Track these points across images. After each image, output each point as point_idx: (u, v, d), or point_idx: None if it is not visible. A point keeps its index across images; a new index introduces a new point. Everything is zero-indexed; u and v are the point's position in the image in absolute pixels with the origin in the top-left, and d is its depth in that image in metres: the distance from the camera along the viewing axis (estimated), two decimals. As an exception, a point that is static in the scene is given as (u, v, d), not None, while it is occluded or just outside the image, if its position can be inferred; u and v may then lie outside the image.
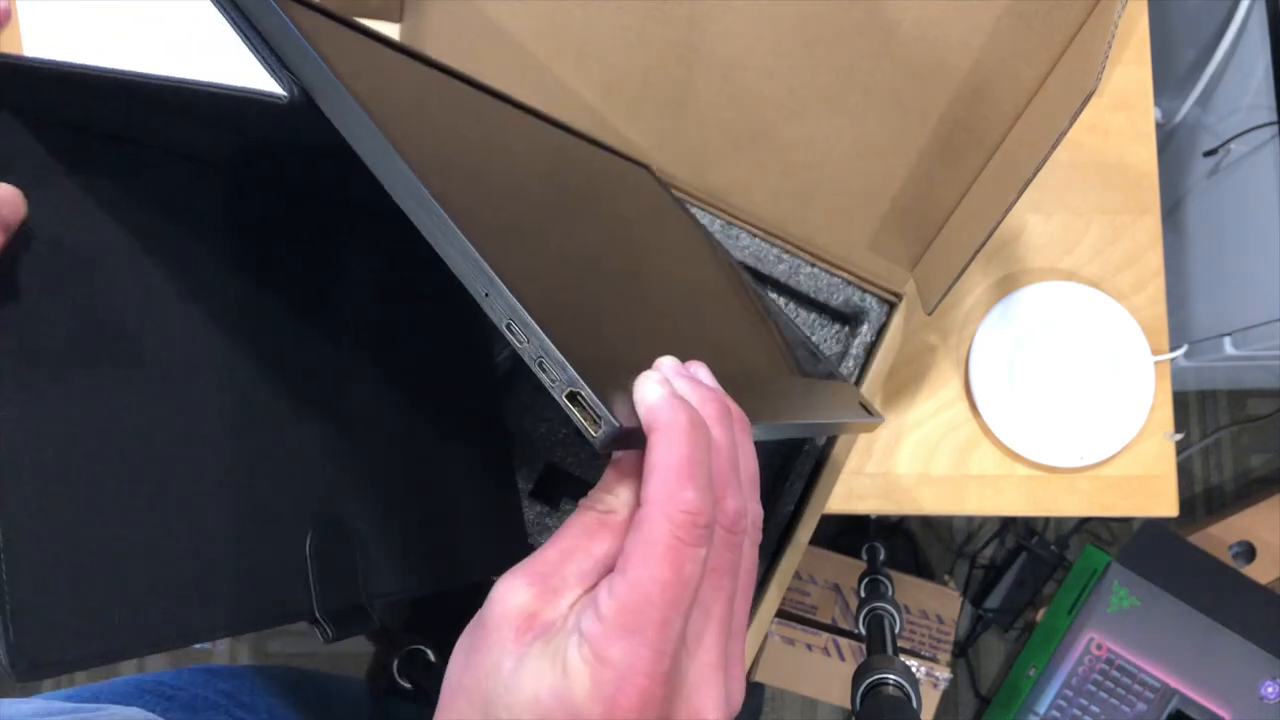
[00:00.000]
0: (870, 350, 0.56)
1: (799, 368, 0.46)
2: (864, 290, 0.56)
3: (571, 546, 0.25)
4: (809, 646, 1.06)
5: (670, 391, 0.25)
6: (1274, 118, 0.84)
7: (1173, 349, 0.64)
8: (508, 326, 0.23)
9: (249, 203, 0.38)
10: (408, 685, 0.61)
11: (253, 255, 0.37)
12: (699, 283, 0.45)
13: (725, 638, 0.25)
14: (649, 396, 0.25)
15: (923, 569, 1.27)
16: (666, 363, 0.27)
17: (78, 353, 0.29)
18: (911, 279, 0.55)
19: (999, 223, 0.41)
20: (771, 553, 0.52)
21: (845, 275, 0.56)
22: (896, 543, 1.27)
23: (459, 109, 0.36)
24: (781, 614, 1.06)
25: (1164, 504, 0.63)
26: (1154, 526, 0.96)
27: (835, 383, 0.48)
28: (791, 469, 0.54)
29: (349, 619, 0.36)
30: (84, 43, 0.59)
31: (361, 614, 0.37)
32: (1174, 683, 0.91)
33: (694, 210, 0.57)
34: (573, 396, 0.23)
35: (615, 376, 0.25)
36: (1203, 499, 1.33)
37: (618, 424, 0.23)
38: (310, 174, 0.40)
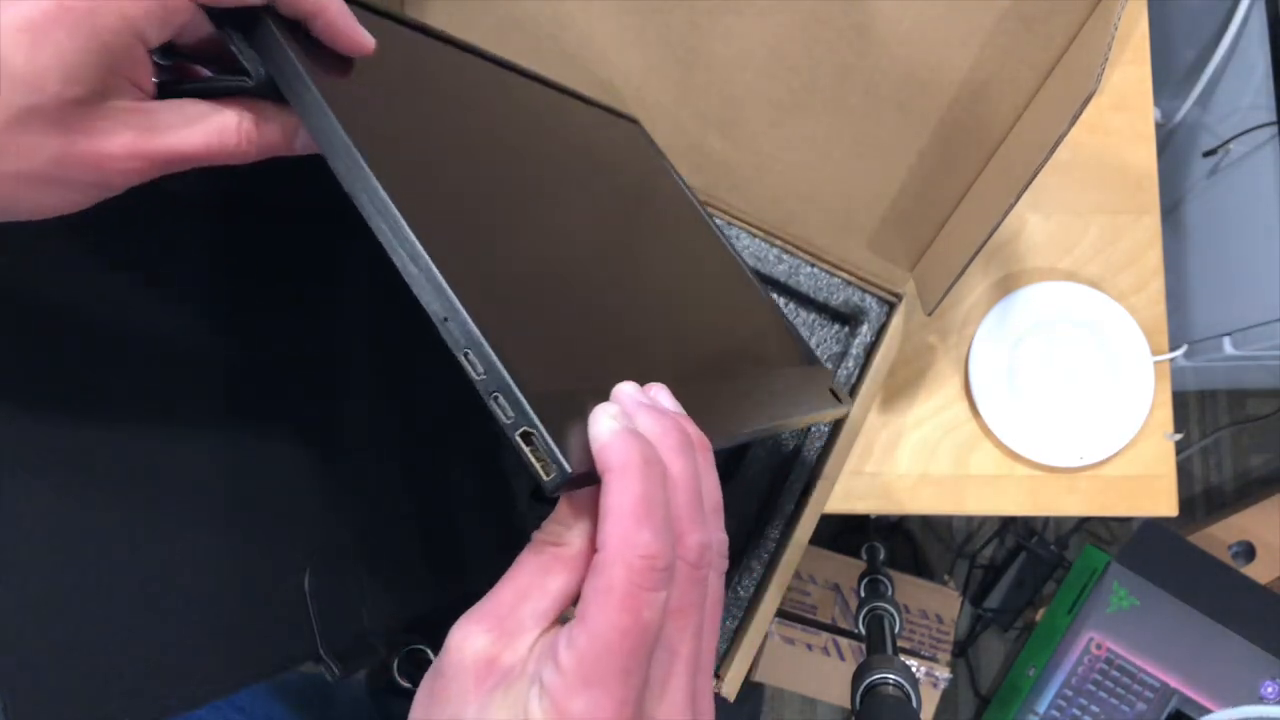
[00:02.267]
0: (870, 350, 0.56)
1: (773, 352, 0.45)
2: (864, 290, 0.56)
3: (526, 585, 0.25)
4: (809, 646, 1.06)
5: (624, 427, 0.24)
6: (1274, 118, 0.84)
7: (1173, 349, 0.64)
8: (465, 355, 0.22)
9: (226, 229, 0.36)
10: (408, 685, 0.61)
11: (227, 284, 0.35)
12: (677, 260, 0.43)
13: (693, 675, 0.25)
14: (602, 434, 0.24)
15: (922, 569, 1.27)
16: (625, 391, 0.27)
17: (56, 432, 0.27)
18: (911, 279, 0.55)
19: (999, 223, 0.41)
20: (771, 552, 0.52)
21: (845, 275, 0.56)
22: (896, 543, 1.27)
23: (426, 73, 0.33)
24: (781, 614, 1.06)
25: (1164, 504, 0.63)
26: (1154, 526, 0.96)
27: (807, 369, 0.46)
28: (791, 469, 0.54)
29: (355, 653, 0.35)
30: None
31: (367, 647, 0.36)
32: (1174, 683, 0.91)
33: (694, 210, 0.57)
34: (526, 436, 0.22)
35: (575, 407, 0.24)
36: (1202, 499, 1.33)
37: (569, 470, 0.22)
38: (288, 187, 0.37)
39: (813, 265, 0.57)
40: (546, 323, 0.27)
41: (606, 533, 0.23)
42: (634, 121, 0.52)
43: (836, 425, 0.54)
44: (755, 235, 0.57)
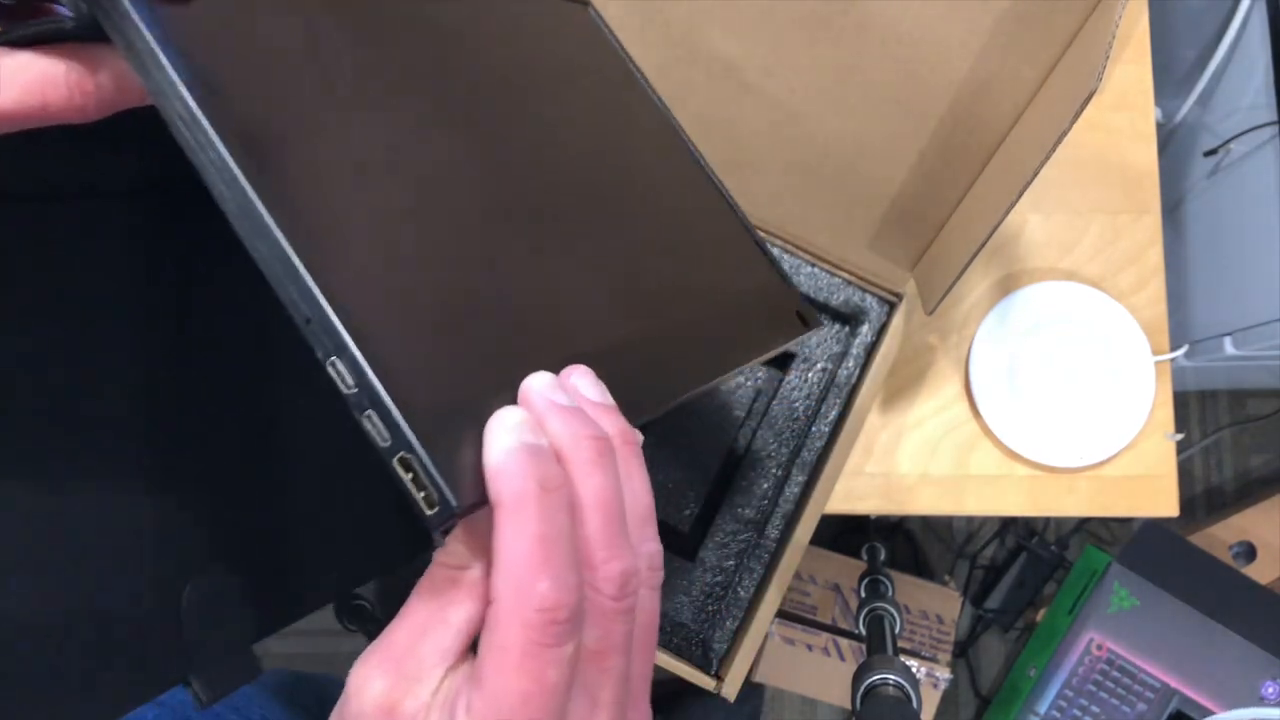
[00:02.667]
0: (870, 350, 0.56)
1: (734, 276, 0.39)
2: (864, 290, 0.56)
3: (425, 619, 0.22)
4: (809, 646, 1.05)
5: (521, 445, 0.20)
6: (1274, 117, 0.84)
7: (1173, 349, 0.64)
8: (331, 365, 0.19)
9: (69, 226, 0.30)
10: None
11: (76, 288, 0.30)
12: (621, 181, 0.36)
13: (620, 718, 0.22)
14: (493, 456, 0.20)
15: (923, 569, 1.26)
16: (534, 388, 0.22)
17: None
18: (912, 279, 0.55)
19: (999, 222, 0.41)
20: (771, 552, 0.52)
21: (845, 275, 0.56)
22: (896, 543, 1.27)
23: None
24: (781, 614, 1.06)
25: (1164, 504, 0.62)
26: (1154, 527, 0.96)
27: (772, 289, 0.41)
28: (792, 469, 0.54)
29: (229, 674, 0.31)
30: None
31: (244, 664, 0.32)
32: (1174, 683, 0.91)
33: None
34: (404, 463, 0.19)
35: (473, 414, 0.21)
36: (1203, 499, 1.33)
37: (455, 505, 0.19)
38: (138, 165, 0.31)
39: (813, 265, 0.56)
40: (442, 306, 0.23)
41: (498, 583, 0.20)
42: (584, 4, 0.44)
43: (837, 425, 0.54)
44: (755, 235, 0.57)
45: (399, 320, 0.21)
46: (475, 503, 0.20)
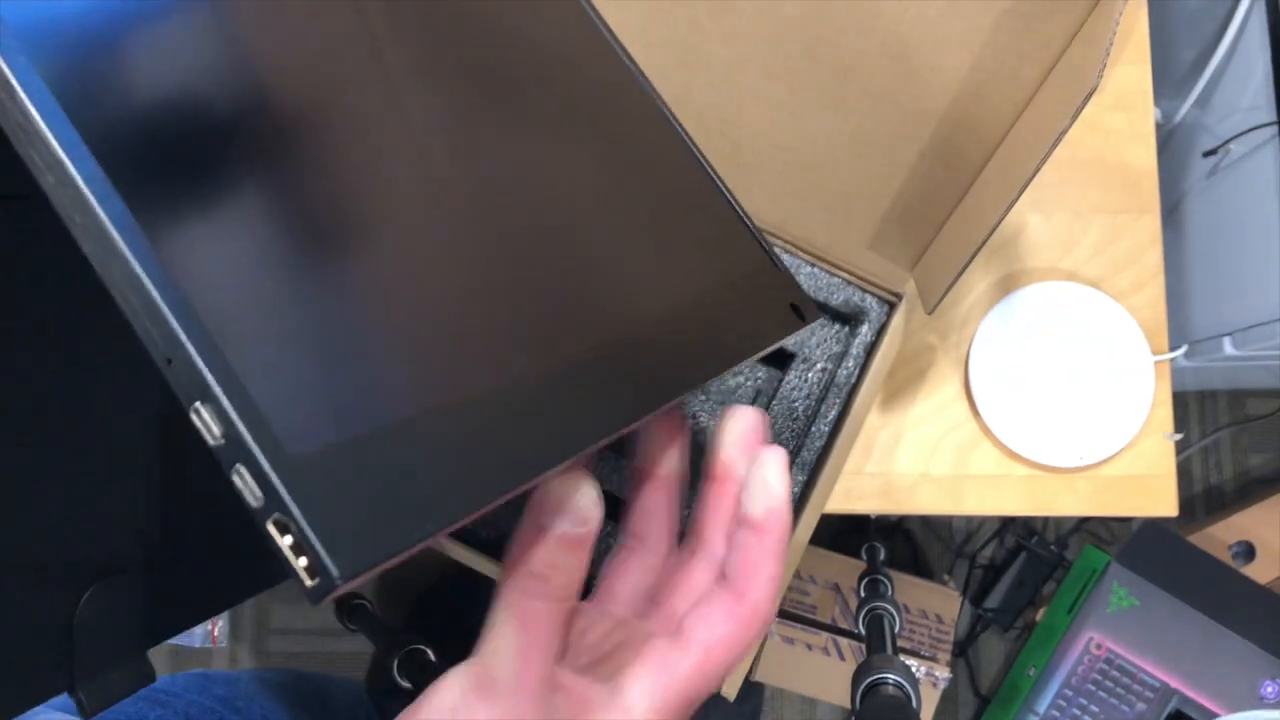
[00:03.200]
0: (870, 350, 0.56)
1: (720, 267, 0.35)
2: (864, 290, 0.56)
3: (535, 645, 0.23)
4: (809, 646, 1.06)
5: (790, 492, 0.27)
6: (1274, 118, 0.84)
7: (1172, 349, 0.64)
8: (195, 413, 0.16)
9: None
10: (408, 685, 0.61)
11: None
12: (577, 159, 0.32)
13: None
14: (780, 497, 0.27)
15: (922, 569, 1.27)
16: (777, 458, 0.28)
17: None
18: (911, 279, 0.55)
19: (999, 222, 0.41)
20: (771, 553, 0.52)
21: (845, 275, 0.56)
22: (896, 543, 1.27)
23: None
24: (781, 614, 1.06)
25: (1164, 504, 0.63)
26: (1154, 526, 0.96)
27: (764, 277, 0.36)
28: (792, 468, 0.54)
29: (118, 682, 0.30)
30: None
31: (134, 671, 0.31)
32: (1173, 683, 0.91)
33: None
34: (280, 525, 0.16)
35: (375, 456, 0.18)
36: (1202, 499, 1.33)
37: (337, 578, 0.16)
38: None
39: (813, 265, 0.56)
40: (343, 330, 0.19)
41: (760, 601, 0.26)
42: None
43: (837, 425, 0.54)
44: (755, 235, 0.57)
45: (279, 352, 0.17)
46: (365, 569, 0.17)
